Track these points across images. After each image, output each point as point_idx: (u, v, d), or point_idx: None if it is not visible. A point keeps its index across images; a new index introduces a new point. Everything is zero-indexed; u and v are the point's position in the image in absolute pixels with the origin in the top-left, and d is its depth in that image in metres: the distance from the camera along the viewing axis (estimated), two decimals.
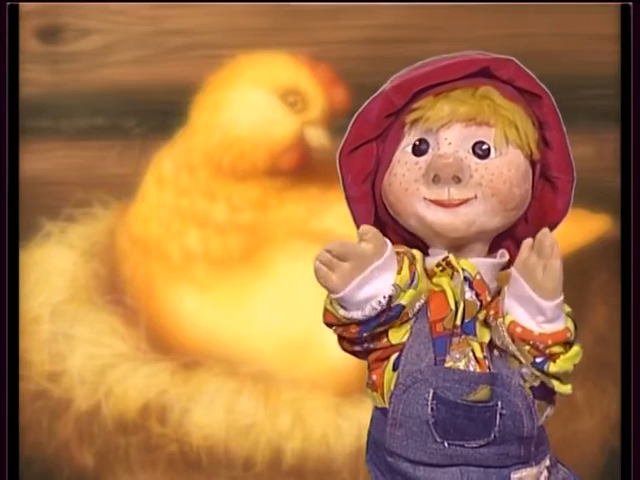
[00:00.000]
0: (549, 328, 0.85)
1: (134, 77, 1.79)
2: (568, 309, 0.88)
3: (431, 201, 0.86)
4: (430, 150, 0.87)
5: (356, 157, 0.91)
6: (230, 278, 1.79)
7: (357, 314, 0.85)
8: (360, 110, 0.91)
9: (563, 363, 0.86)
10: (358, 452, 1.70)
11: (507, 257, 0.91)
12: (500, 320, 0.86)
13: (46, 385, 1.79)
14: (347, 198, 0.93)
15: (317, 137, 1.76)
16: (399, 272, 0.85)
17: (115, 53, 1.79)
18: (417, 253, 0.89)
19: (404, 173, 0.88)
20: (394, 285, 0.84)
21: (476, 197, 0.86)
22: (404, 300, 0.85)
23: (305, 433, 1.76)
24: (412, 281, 0.85)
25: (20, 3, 1.76)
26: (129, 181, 1.80)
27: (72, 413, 1.79)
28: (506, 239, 0.92)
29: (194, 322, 1.79)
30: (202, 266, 1.79)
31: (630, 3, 1.71)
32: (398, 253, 0.86)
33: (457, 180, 0.85)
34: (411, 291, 0.85)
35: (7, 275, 1.75)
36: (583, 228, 1.74)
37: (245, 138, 1.76)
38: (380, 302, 0.84)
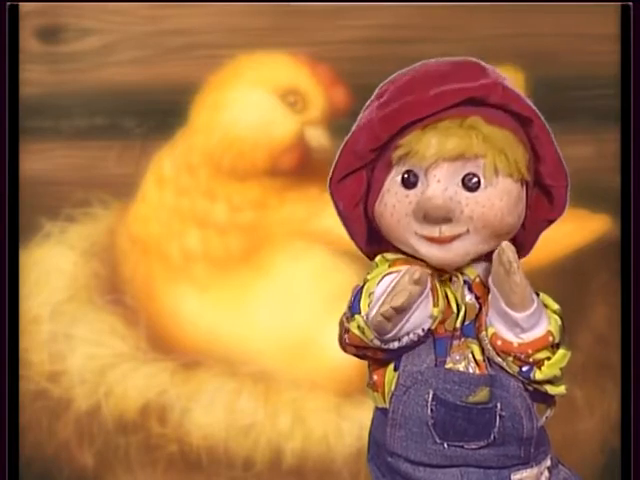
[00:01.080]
0: (527, 337, 0.85)
1: (134, 77, 1.79)
2: (556, 306, 0.88)
3: (423, 236, 0.86)
4: (420, 184, 0.85)
5: (346, 185, 0.89)
6: (230, 278, 1.79)
7: (394, 345, 0.85)
8: (347, 139, 0.89)
9: (548, 369, 0.86)
10: (358, 452, 1.70)
11: None
12: (483, 333, 0.87)
13: (46, 385, 1.79)
14: (341, 218, 0.92)
15: (317, 137, 1.76)
16: (435, 304, 0.85)
17: (115, 53, 1.79)
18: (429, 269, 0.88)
19: (394, 204, 0.86)
20: (431, 317, 0.85)
21: (468, 231, 0.85)
22: (434, 325, 0.86)
23: (305, 433, 1.76)
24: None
25: (20, 3, 1.75)
26: (129, 181, 1.80)
27: (72, 413, 1.79)
28: None
29: (194, 322, 1.79)
30: (202, 266, 1.79)
31: (630, 3, 1.71)
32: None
33: (448, 220, 0.85)
34: (440, 315, 0.86)
35: (7, 275, 1.75)
36: (583, 228, 1.74)
37: (245, 138, 1.76)
38: (418, 335, 0.85)
